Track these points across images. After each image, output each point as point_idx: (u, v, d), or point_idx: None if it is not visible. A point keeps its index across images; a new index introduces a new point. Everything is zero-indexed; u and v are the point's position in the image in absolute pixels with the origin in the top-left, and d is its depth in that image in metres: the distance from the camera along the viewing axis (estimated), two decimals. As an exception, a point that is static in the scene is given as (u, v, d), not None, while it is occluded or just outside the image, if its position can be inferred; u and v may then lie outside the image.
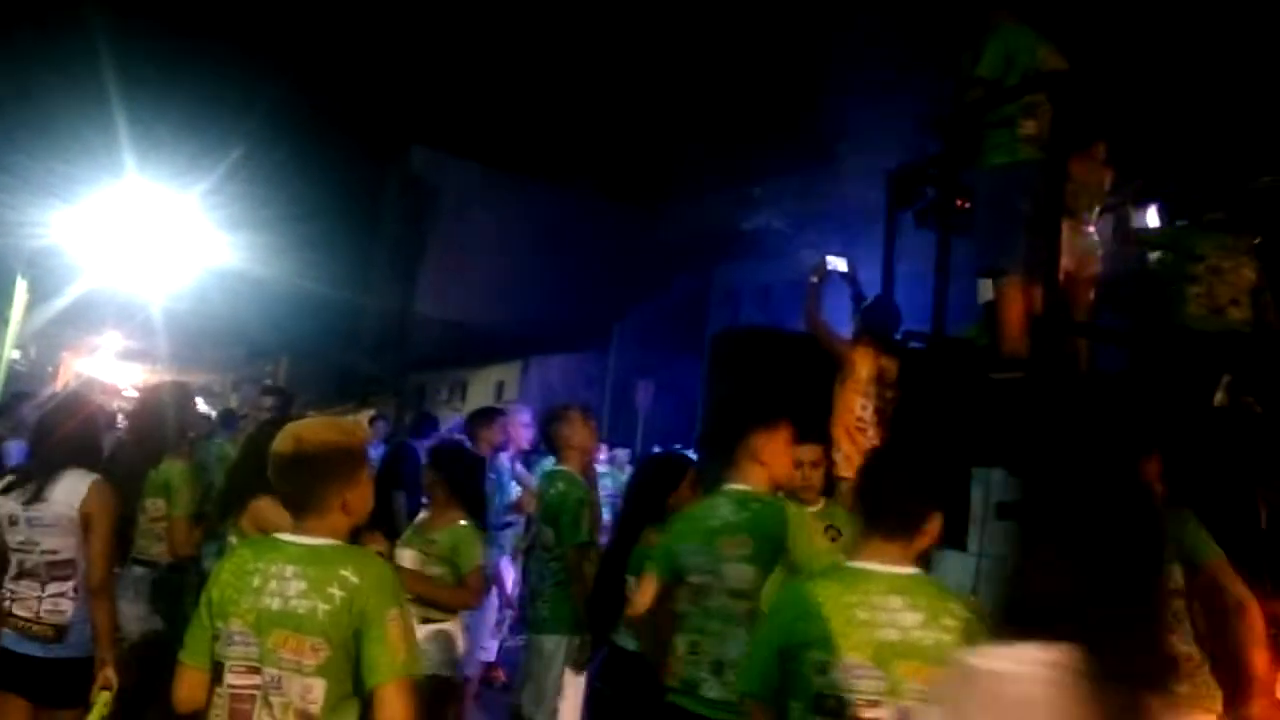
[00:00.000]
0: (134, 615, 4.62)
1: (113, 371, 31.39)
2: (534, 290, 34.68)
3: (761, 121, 25.46)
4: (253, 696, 2.44)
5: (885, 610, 2.46)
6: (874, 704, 2.43)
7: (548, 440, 5.49)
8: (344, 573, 2.44)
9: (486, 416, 7.07)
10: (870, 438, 4.96)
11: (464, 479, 4.80)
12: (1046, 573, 1.75)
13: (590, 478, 5.38)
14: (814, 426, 4.97)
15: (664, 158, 32.88)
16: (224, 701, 2.47)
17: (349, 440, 2.68)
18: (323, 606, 2.41)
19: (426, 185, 37.59)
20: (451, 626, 4.43)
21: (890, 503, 2.62)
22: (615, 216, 36.23)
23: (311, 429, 2.69)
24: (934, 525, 2.62)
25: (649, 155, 34.36)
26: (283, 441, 2.64)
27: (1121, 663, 1.58)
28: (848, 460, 4.95)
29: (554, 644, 4.94)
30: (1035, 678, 1.59)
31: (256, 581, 2.49)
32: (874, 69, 17.84)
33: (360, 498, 2.65)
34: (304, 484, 2.59)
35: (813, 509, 4.30)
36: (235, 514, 4.20)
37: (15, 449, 8.78)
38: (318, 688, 2.40)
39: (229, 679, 2.47)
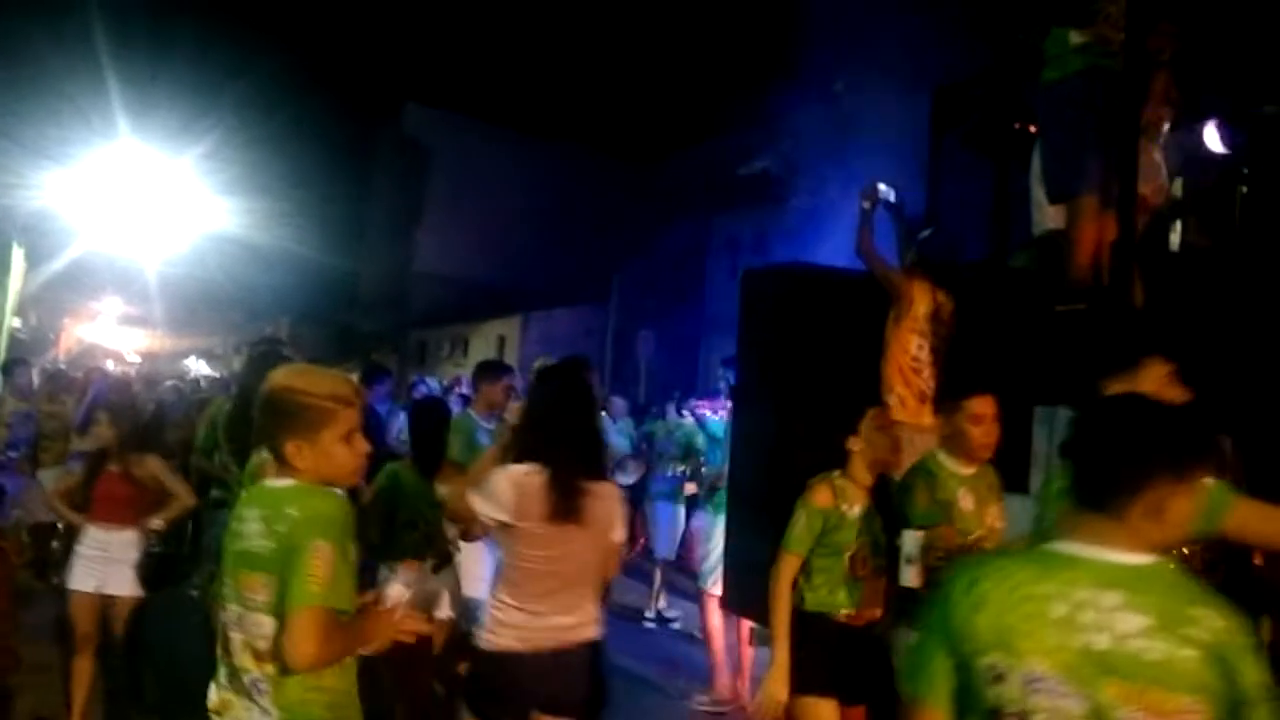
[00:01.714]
0: None
1: (114, 337, 31.21)
2: (533, 244, 34.51)
3: (755, 66, 25.11)
4: (227, 632, 2.52)
5: (1095, 609, 1.82)
6: None
7: None
8: (289, 510, 2.42)
9: (492, 373, 6.62)
10: (925, 379, 4.79)
11: (416, 430, 5.33)
12: (535, 429, 3.49)
13: None
14: (868, 370, 4.84)
15: (659, 107, 32.54)
16: (219, 636, 2.57)
17: (306, 393, 2.51)
18: (268, 545, 2.43)
19: (421, 142, 37.29)
20: None
21: (1104, 465, 1.95)
22: (611, 168, 35.94)
23: (281, 374, 2.60)
24: (1177, 502, 1.89)
25: (644, 105, 33.99)
26: (264, 384, 2.62)
27: (566, 464, 3.36)
28: (901, 403, 4.78)
29: None
30: (519, 473, 3.35)
31: (234, 525, 2.55)
32: (870, 8, 17.51)
33: (313, 456, 2.49)
34: (263, 427, 2.57)
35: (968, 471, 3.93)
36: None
37: (16, 417, 8.90)
38: (267, 624, 2.42)
39: (222, 615, 2.57)
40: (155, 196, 23.79)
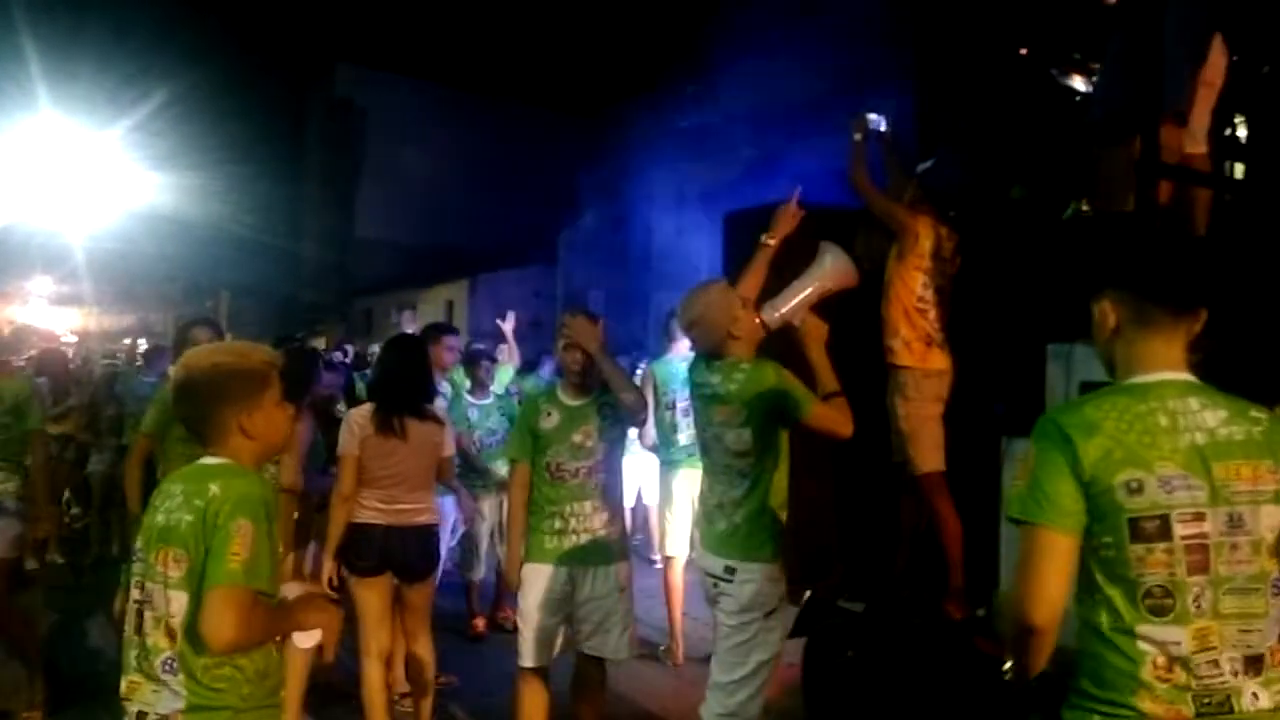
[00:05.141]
0: None
1: (47, 317, 30.49)
2: (478, 206, 34.06)
3: (692, 16, 24.71)
4: (139, 611, 2.47)
5: (1186, 414, 2.13)
6: (1198, 517, 2.08)
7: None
8: (211, 485, 2.39)
9: (435, 332, 6.79)
10: (932, 320, 4.48)
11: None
12: (375, 380, 5.31)
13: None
14: (864, 310, 4.56)
15: (597, 59, 32.04)
16: (128, 616, 2.52)
17: (242, 362, 2.56)
18: (186, 518, 2.38)
19: (355, 103, 36.55)
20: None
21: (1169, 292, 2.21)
22: (552, 124, 35.47)
23: (200, 354, 2.62)
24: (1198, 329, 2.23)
25: (582, 58, 33.42)
26: (175, 371, 2.63)
27: (387, 403, 4.83)
28: (907, 347, 4.49)
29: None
30: (361, 412, 4.87)
31: (157, 500, 2.52)
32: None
33: (263, 421, 2.53)
34: (197, 411, 2.53)
35: None
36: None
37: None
38: (178, 600, 2.38)
39: (131, 594, 2.51)
40: (81, 172, 23.15)
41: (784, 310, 4.02)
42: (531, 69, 36.12)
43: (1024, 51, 5.03)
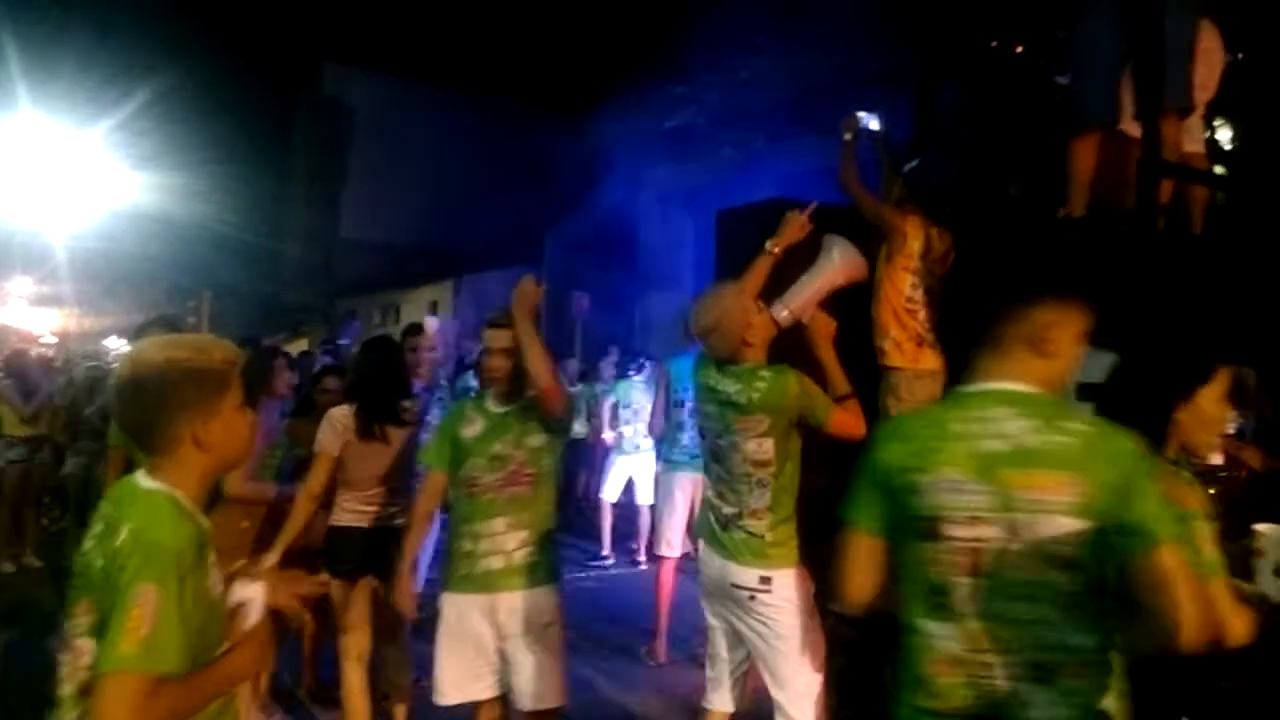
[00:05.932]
0: None
1: (27, 318, 30.27)
2: (462, 206, 33.98)
3: (678, 15, 24.69)
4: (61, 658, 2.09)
5: (988, 421, 2.17)
6: (974, 520, 2.13)
7: None
8: (127, 526, 2.00)
9: (409, 334, 6.62)
10: (921, 321, 4.42)
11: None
12: (352, 384, 5.02)
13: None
14: (858, 310, 4.47)
15: (582, 59, 32.02)
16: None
17: (199, 359, 2.14)
18: (98, 563, 2.02)
19: (341, 104, 36.46)
20: None
21: (987, 296, 2.36)
22: (538, 123, 35.37)
23: (149, 348, 2.16)
24: (1057, 333, 2.22)
25: (570, 61, 33.39)
26: (119, 367, 2.18)
27: (366, 406, 4.75)
28: (898, 348, 4.43)
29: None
30: (341, 412, 4.73)
31: (92, 519, 2.14)
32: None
33: (221, 430, 2.14)
34: (142, 415, 2.11)
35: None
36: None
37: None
38: (88, 653, 1.99)
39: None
40: (63, 171, 23.01)
41: (793, 307, 3.89)
42: (519, 68, 36.13)
43: (1019, 49, 4.97)
